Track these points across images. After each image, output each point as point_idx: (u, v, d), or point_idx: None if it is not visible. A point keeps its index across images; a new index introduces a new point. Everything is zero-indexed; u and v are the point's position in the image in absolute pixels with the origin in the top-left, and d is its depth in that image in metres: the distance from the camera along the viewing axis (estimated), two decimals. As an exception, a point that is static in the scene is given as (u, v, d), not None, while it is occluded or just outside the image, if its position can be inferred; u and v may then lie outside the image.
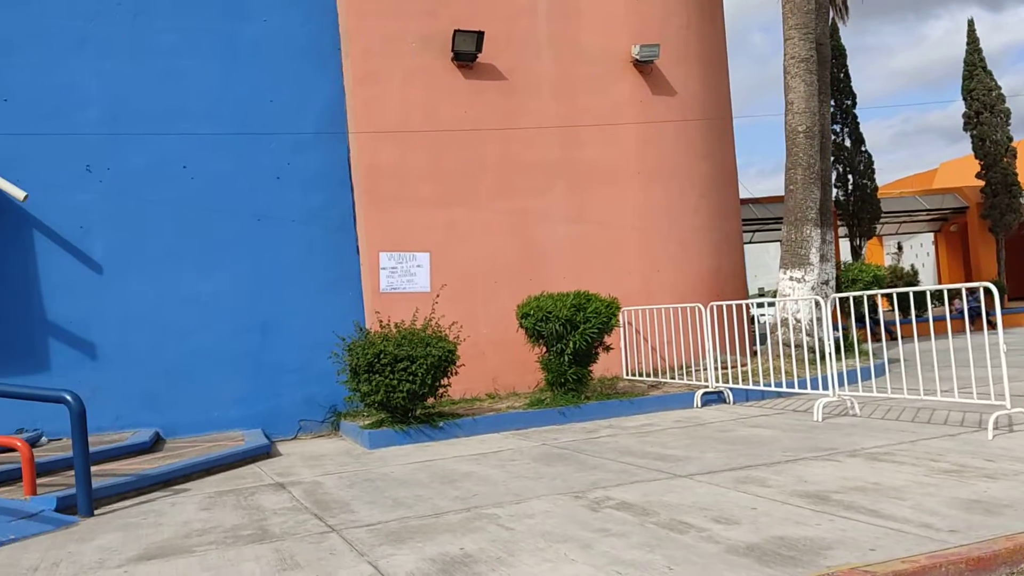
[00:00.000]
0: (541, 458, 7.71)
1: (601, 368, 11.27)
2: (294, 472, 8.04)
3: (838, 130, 24.94)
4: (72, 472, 7.76)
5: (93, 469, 8.01)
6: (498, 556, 4.66)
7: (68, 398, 6.60)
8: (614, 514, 5.43)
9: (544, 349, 10.40)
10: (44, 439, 9.51)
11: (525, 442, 8.74)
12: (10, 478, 7.38)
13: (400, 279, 11.10)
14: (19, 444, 6.74)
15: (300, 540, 5.32)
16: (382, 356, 9.03)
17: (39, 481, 7.37)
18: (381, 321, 9.80)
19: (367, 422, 9.68)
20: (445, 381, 9.51)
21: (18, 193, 9.42)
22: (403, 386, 8.96)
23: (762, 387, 10.21)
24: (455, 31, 11.25)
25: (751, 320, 14.27)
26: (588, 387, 10.53)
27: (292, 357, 10.81)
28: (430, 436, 9.24)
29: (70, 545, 5.63)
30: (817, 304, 11.17)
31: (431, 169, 11.32)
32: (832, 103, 22.83)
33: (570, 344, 9.94)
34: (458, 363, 9.56)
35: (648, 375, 11.70)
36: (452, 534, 5.20)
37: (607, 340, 10.49)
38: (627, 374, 11.82)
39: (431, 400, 9.61)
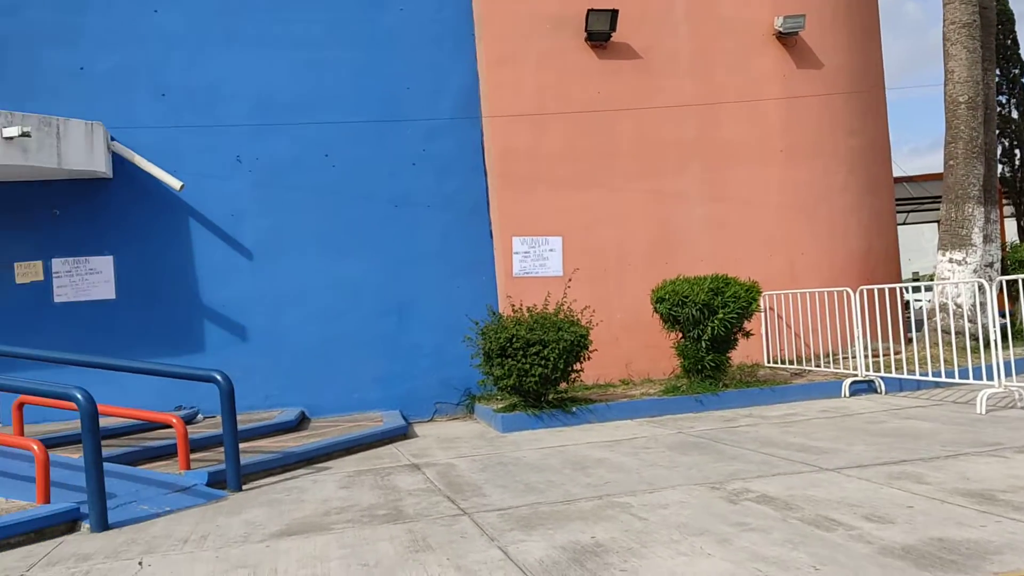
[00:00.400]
0: (676, 446, 7.49)
1: (740, 355, 10.86)
2: (429, 454, 8.16)
3: (1004, 101, 22.99)
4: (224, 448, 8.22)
5: (243, 446, 8.43)
6: (630, 547, 4.52)
7: (218, 378, 6.93)
8: (754, 507, 5.17)
9: (680, 335, 10.12)
10: (200, 416, 10.08)
11: (660, 430, 8.52)
12: (167, 452, 7.84)
13: (533, 263, 11.07)
14: (174, 420, 7.14)
15: (432, 522, 5.36)
16: (514, 340, 9.02)
17: (195, 456, 7.81)
18: (513, 305, 9.79)
19: (500, 406, 9.71)
20: (577, 366, 9.41)
21: (175, 183, 9.97)
22: (535, 370, 8.92)
23: (917, 376, 9.54)
24: (588, 10, 11.06)
25: (906, 306, 13.40)
26: (726, 374, 10.17)
27: (428, 340, 10.98)
28: (563, 421, 9.17)
29: (219, 518, 5.90)
30: (981, 288, 10.33)
31: (564, 152, 11.20)
32: (997, 72, 21.06)
33: (707, 330, 9.62)
34: (591, 348, 9.44)
35: (791, 363, 11.18)
36: (583, 522, 5.10)
37: (747, 326, 10.09)
38: (768, 361, 11.34)
39: (563, 385, 9.54)
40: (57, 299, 10.14)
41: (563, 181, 11.20)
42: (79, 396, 5.82)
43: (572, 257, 11.14)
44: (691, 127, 11.63)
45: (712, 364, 9.86)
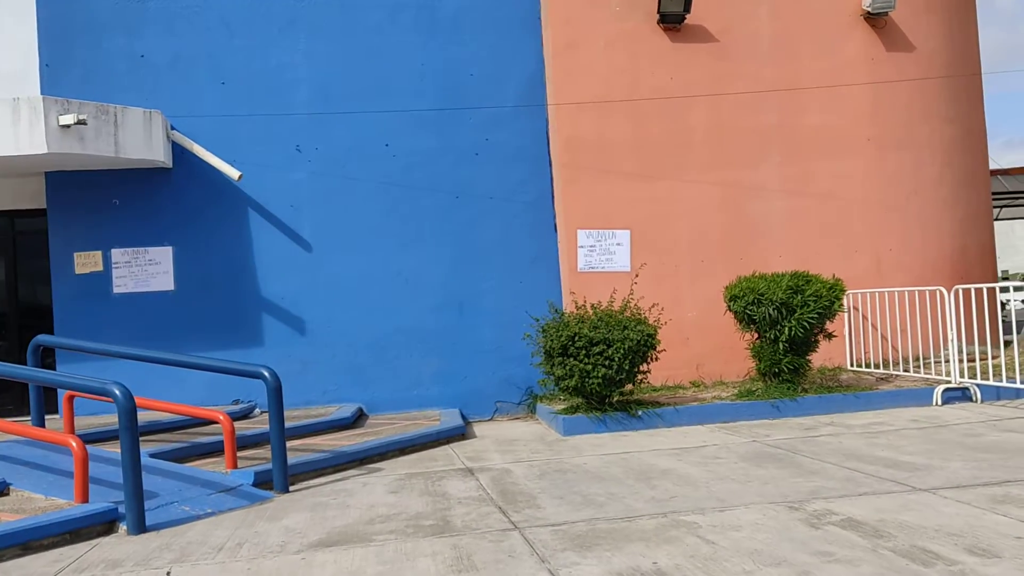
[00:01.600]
0: (750, 457, 6.91)
1: (821, 357, 10.15)
2: (485, 457, 7.76)
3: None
4: (288, 443, 7.92)
5: (296, 443, 8.20)
6: (696, 577, 4.03)
7: (265, 374, 6.64)
8: (838, 533, 4.61)
9: (755, 335, 9.49)
10: (258, 410, 9.89)
11: (732, 437, 7.94)
12: (219, 449, 7.61)
13: (599, 258, 10.56)
14: (220, 417, 6.89)
15: (480, 537, 4.95)
16: (577, 339, 8.55)
17: (246, 453, 7.58)
18: (577, 302, 9.31)
19: (561, 407, 9.26)
20: (644, 367, 8.89)
21: (233, 173, 9.79)
22: (598, 371, 8.43)
23: (1018, 384, 8.72)
24: (661, -9, 10.48)
25: (1001, 307, 12.44)
26: (805, 378, 9.50)
27: (489, 336, 10.59)
28: (627, 425, 8.66)
29: (259, 524, 5.60)
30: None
31: (634, 140, 10.65)
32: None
33: (785, 330, 8.97)
34: (658, 348, 8.90)
35: (876, 366, 10.42)
36: (645, 544, 4.61)
37: (829, 326, 9.40)
38: (851, 365, 10.60)
39: (629, 387, 9.02)
40: (116, 290, 10.07)
41: (632, 172, 10.65)
42: (116, 392, 5.58)
43: (640, 252, 10.59)
44: (771, 115, 10.93)
45: (790, 367, 9.21)
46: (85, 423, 8.55)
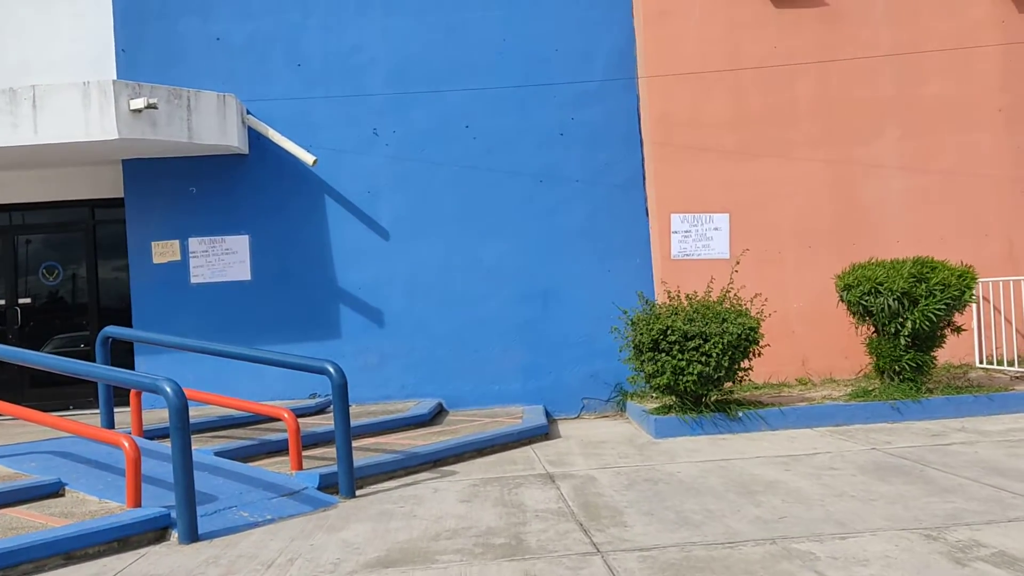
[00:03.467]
0: (871, 469, 6.05)
1: (946, 354, 9.07)
2: (568, 461, 7.11)
3: None
4: (360, 441, 7.52)
5: (370, 442, 7.77)
6: (817, 630, 3.29)
7: (330, 369, 6.17)
8: (990, 573, 3.78)
9: (872, 328, 8.52)
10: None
11: (847, 443, 7.07)
12: (288, 448, 7.20)
13: (694, 244, 9.74)
14: (285, 415, 6.46)
15: (556, 561, 4.31)
16: (669, 332, 7.80)
17: (318, 452, 7.17)
18: (670, 291, 8.55)
19: (653, 406, 8.52)
20: (745, 363, 8.07)
21: (308, 158, 9.41)
22: (693, 368, 7.66)
23: None
24: (763, -48, 9.56)
25: None
26: (930, 377, 8.49)
27: (575, 329, 9.93)
28: (726, 428, 7.87)
29: (317, 535, 5.11)
30: None
31: (733, 115, 9.77)
32: None
33: (908, 323, 8.00)
34: (761, 343, 8.06)
35: (1011, 364, 9.29)
36: (751, 579, 3.89)
37: (957, 319, 8.37)
38: (981, 362, 9.48)
39: (728, 384, 8.21)
40: (193, 280, 9.85)
41: (731, 150, 9.77)
42: (167, 389, 5.17)
43: (740, 237, 9.72)
44: (887, 84, 9.86)
45: (912, 364, 8.22)
46: (158, 417, 8.30)
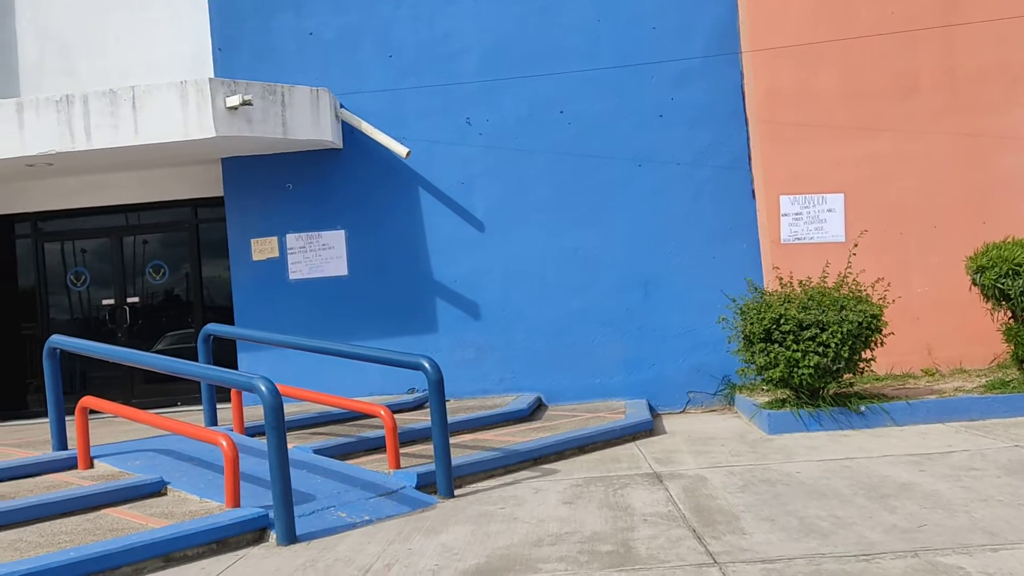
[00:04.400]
0: (1018, 469, 5.46)
1: (1094, 340, 8.23)
2: (676, 459, 6.73)
3: None
4: (458, 438, 7.35)
5: (467, 438, 7.58)
6: (980, 663, 2.86)
7: (425, 365, 5.97)
8: None
9: (1009, 314, 7.81)
10: (432, 399, 9.36)
11: (986, 440, 6.44)
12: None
13: (806, 227, 9.16)
14: (382, 413, 6.31)
15: (668, 573, 3.97)
16: (782, 322, 7.30)
17: (416, 449, 7.03)
18: (781, 278, 8.03)
19: (765, 400, 8.03)
20: (867, 353, 7.50)
21: (401, 150, 9.28)
22: (809, 359, 7.15)
23: None
24: (877, -90, 8.87)
25: None
26: (1076, 366, 7.72)
27: (678, 319, 9.50)
28: (847, 423, 7.33)
29: (415, 538, 4.92)
30: None
31: (846, 89, 9.12)
32: None
33: (1051, 308, 7.27)
34: (884, 331, 7.47)
35: None
36: (893, 598, 3.47)
37: (1108, 302, 7.57)
38: None
39: (847, 376, 7.65)
40: (292, 276, 9.87)
41: (845, 125, 9.13)
42: (262, 387, 5.07)
43: (856, 218, 9.07)
44: (1019, 48, 9.02)
45: (1056, 353, 7.49)
46: (260, 414, 8.32)
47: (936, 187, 9.06)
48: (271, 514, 5.10)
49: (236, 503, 5.27)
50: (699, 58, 9.50)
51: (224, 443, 5.32)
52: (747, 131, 9.47)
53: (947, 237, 8.97)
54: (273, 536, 5.05)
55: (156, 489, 5.95)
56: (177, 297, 10.85)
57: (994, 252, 7.71)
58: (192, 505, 5.50)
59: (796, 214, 9.15)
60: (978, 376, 8.36)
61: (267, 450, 5.08)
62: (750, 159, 9.47)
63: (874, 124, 9.09)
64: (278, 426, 5.04)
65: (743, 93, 9.47)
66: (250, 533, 5.07)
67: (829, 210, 9.13)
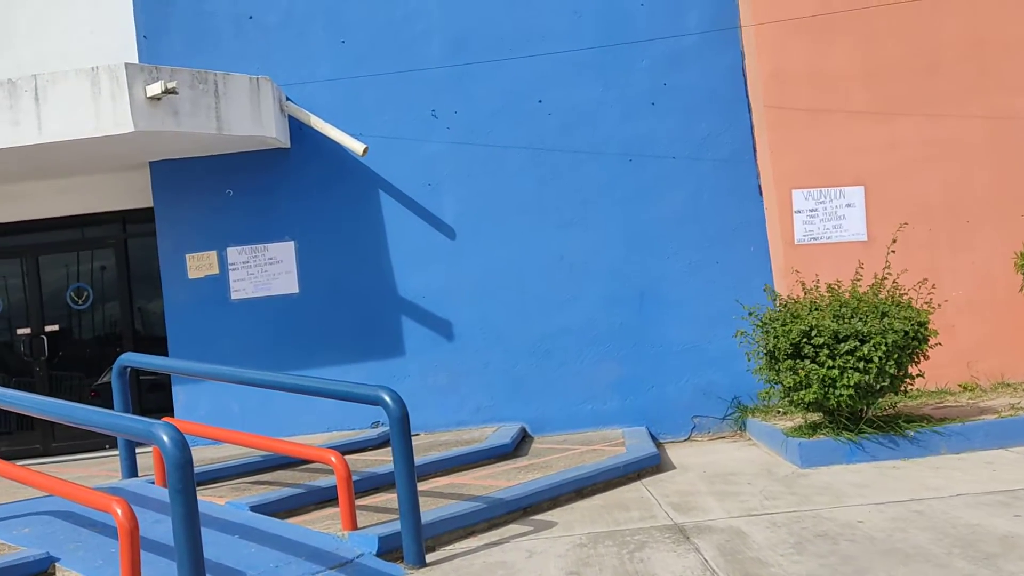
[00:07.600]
0: None
1: None
2: (697, 503, 5.51)
3: None
4: (430, 483, 6.14)
5: (442, 482, 6.33)
6: None
7: (386, 398, 4.74)
8: None
9: (1069, 318, 6.73)
10: (399, 433, 8.07)
11: (1072, 471, 5.31)
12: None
13: (822, 225, 8.04)
14: (332, 460, 5.02)
15: None
16: (814, 334, 6.14)
17: (380, 499, 5.77)
18: (804, 283, 6.89)
19: (792, 425, 6.86)
20: (913, 369, 6.36)
21: (357, 147, 8.05)
22: (849, 377, 5.99)
23: None
24: None
25: None
26: None
27: (678, 334, 8.32)
28: (893, 450, 6.17)
29: (372, 637, 3.64)
30: None
31: (862, 67, 8.05)
32: None
33: (1125, 309, 6.20)
34: (930, 342, 6.35)
35: None
36: None
37: None
38: None
39: (889, 396, 6.51)
40: (234, 295, 8.55)
41: (862, 109, 8.05)
42: (164, 438, 3.78)
43: (879, 214, 7.99)
44: (1053, 17, 8.04)
45: None
46: (199, 456, 6.99)
47: (967, 176, 7.99)
48: (178, 602, 3.80)
49: (135, 584, 3.95)
50: (695, 35, 8.38)
51: (119, 512, 4.00)
52: (751, 119, 8.36)
53: (982, 232, 7.91)
54: (181, 634, 3.75)
55: (41, 568, 4.62)
56: (104, 323, 9.48)
57: (1053, 245, 6.64)
58: (78, 593, 4.17)
59: (811, 211, 8.04)
60: (1028, 391, 7.27)
61: (171, 517, 3.79)
62: (755, 150, 8.35)
63: (896, 107, 8.02)
64: (185, 489, 3.74)
65: (745, 75, 8.37)
66: (150, 631, 3.77)
67: (848, 205, 8.02)
